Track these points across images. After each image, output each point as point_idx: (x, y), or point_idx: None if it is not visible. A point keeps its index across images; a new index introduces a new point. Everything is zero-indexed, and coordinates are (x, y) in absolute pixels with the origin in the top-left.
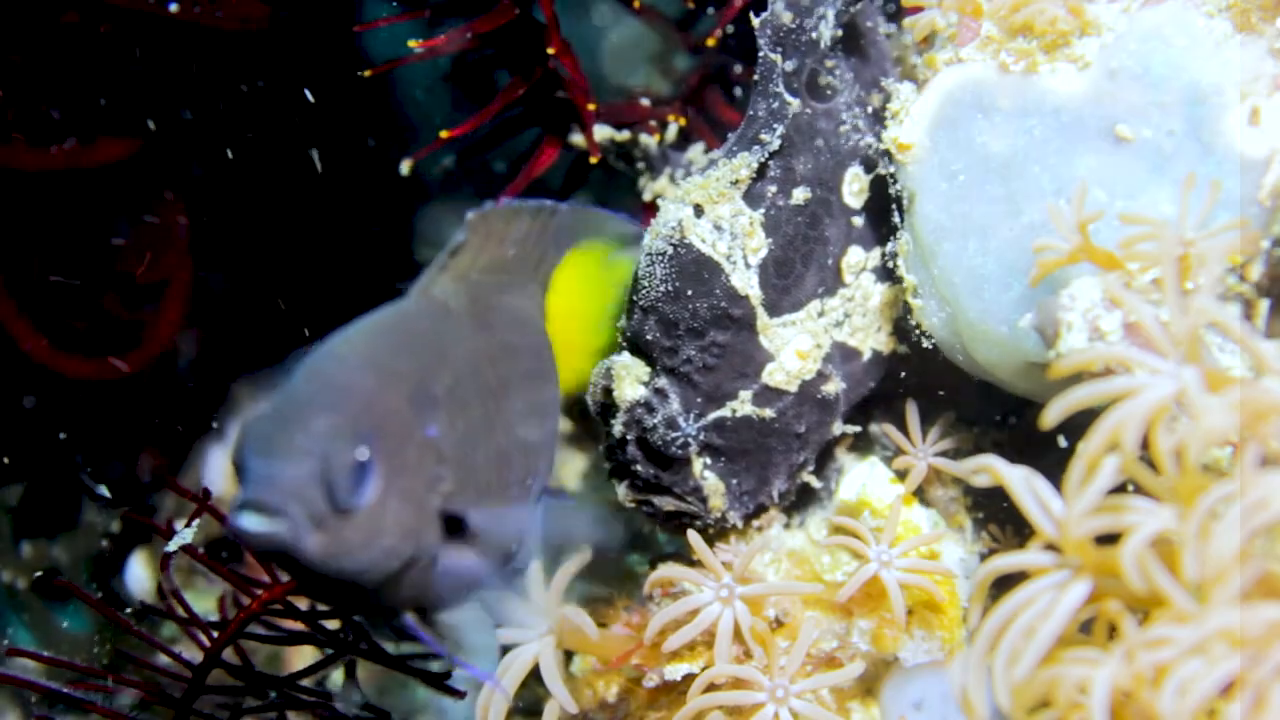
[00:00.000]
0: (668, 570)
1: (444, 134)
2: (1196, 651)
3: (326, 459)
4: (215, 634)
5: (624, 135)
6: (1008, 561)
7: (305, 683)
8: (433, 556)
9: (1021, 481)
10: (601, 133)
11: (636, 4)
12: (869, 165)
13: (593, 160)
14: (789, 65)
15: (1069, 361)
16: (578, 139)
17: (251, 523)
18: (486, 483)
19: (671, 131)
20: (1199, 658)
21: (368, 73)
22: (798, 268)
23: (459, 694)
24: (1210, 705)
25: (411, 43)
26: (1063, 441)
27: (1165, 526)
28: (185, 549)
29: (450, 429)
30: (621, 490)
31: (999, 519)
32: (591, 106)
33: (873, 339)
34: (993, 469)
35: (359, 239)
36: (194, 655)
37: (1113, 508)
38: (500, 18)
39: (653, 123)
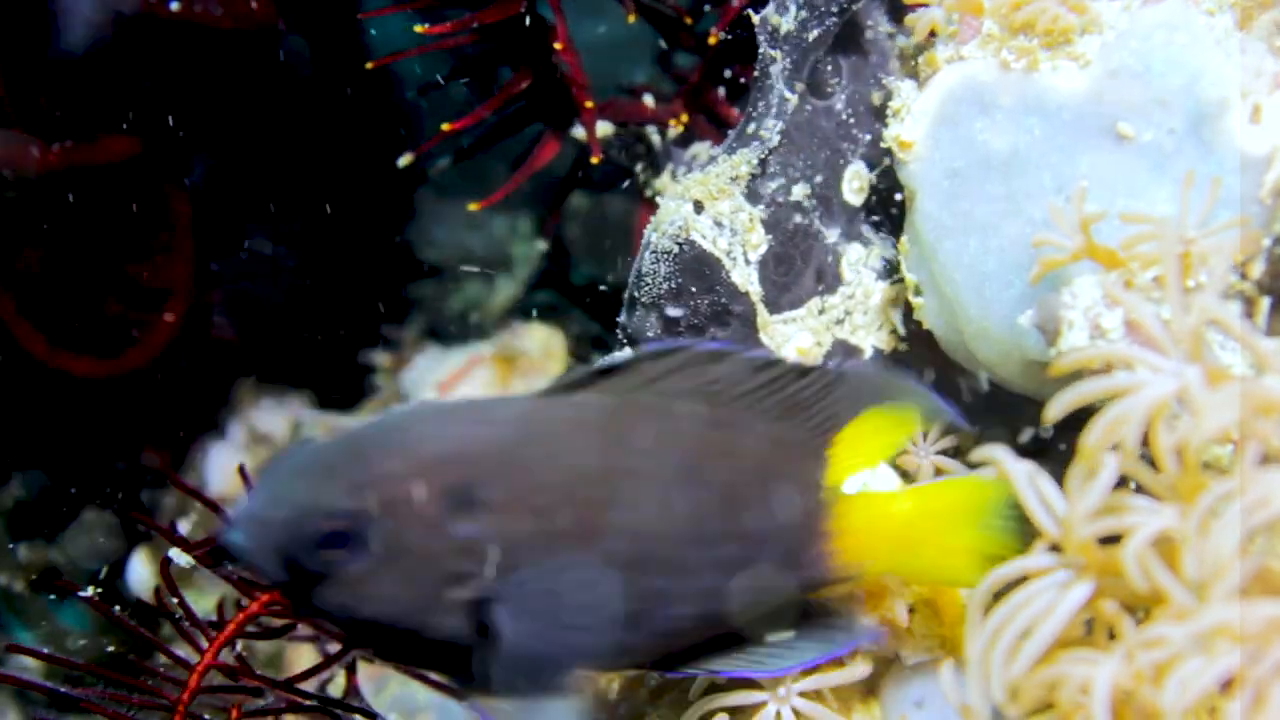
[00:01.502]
0: None
1: (446, 126)
2: (1194, 646)
3: (301, 517)
4: (214, 634)
5: (626, 129)
6: (1011, 569)
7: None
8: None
9: (1025, 477)
10: (604, 129)
11: (631, 17)
12: (870, 163)
13: (594, 160)
14: (788, 62)
15: (1070, 359)
16: (580, 134)
17: (232, 537)
18: (544, 608)
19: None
20: (1197, 652)
21: (371, 65)
22: (798, 264)
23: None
24: (1210, 704)
25: (418, 28)
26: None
27: (1167, 526)
28: (187, 548)
29: (497, 535)
30: None
31: None
32: (589, 104)
33: (874, 337)
34: (999, 460)
35: (359, 238)
36: (193, 657)
37: (1114, 508)
38: (508, 9)
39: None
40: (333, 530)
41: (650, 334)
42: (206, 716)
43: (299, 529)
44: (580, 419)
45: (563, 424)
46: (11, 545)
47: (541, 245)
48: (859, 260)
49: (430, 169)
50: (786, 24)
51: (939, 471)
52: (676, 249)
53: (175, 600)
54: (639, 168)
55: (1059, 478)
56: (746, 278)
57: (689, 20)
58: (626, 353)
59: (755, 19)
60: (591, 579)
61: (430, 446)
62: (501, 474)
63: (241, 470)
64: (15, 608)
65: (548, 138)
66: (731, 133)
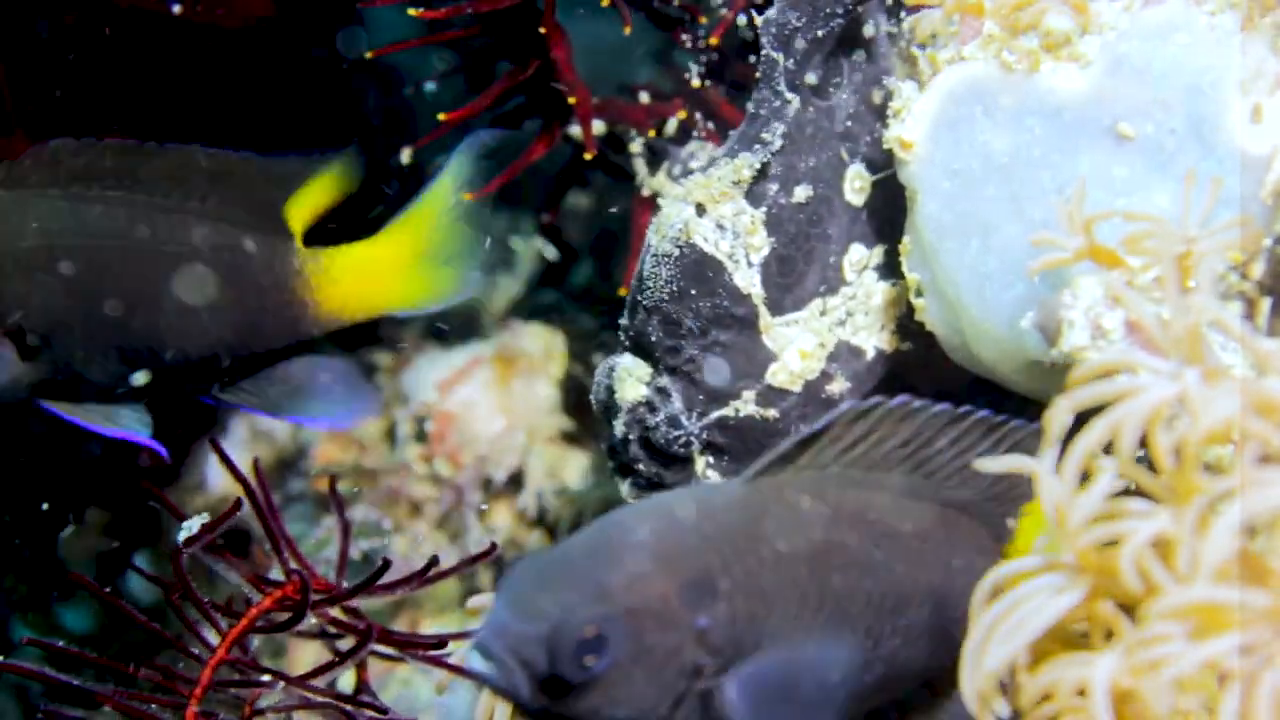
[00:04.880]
0: None
1: (442, 116)
2: (1181, 628)
3: (559, 627)
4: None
5: (625, 127)
6: (1008, 571)
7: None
8: None
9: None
10: (602, 127)
11: (626, 29)
12: (871, 163)
13: (587, 156)
14: (791, 63)
15: (1072, 370)
16: (576, 130)
17: (477, 663)
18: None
19: (671, 125)
20: (1183, 632)
21: (370, 54)
22: (800, 266)
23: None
24: (1209, 703)
25: (412, 11)
26: None
27: (1164, 528)
28: (196, 539)
29: (729, 622)
30: (625, 488)
31: None
32: (581, 97)
33: (876, 337)
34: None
35: (358, 235)
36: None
37: (1111, 514)
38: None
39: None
40: (586, 638)
41: (653, 337)
42: (221, 715)
43: (558, 640)
44: (796, 500)
45: (782, 505)
46: (18, 546)
47: (541, 244)
48: (861, 261)
49: (429, 165)
50: (789, 25)
51: None
52: (677, 252)
53: (178, 596)
54: (637, 165)
55: None
56: (749, 280)
57: (690, 21)
58: (825, 419)
59: (759, 20)
60: (829, 656)
61: (664, 543)
62: (733, 558)
63: (255, 465)
64: (19, 611)
65: (543, 133)
66: (733, 134)
